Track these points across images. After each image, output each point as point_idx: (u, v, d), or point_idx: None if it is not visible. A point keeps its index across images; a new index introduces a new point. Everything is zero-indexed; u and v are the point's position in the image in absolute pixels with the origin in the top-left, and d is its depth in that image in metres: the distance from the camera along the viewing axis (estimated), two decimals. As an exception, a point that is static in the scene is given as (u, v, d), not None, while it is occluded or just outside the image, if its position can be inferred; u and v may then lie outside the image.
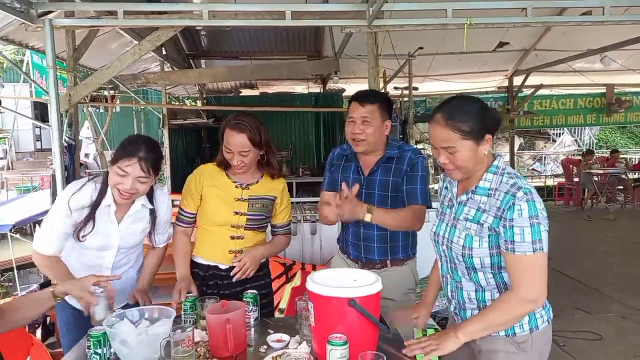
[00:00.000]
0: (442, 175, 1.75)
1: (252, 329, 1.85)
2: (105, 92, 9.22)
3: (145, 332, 1.60)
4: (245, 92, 10.10)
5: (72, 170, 3.79)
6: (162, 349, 1.55)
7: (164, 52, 6.45)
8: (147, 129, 14.61)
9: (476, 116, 1.48)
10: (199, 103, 9.95)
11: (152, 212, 2.05)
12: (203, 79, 6.66)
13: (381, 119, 2.06)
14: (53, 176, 3.60)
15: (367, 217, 1.86)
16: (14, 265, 5.37)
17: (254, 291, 1.96)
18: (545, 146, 18.42)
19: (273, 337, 1.73)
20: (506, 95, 10.00)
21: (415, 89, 9.68)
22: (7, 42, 4.54)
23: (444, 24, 3.70)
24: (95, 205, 1.93)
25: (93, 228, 1.93)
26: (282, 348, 1.66)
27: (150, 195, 2.02)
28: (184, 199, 2.17)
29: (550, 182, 12.67)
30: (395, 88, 9.09)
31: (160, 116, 8.14)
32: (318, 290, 1.50)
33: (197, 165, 2.24)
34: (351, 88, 9.77)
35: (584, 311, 4.35)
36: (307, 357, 1.46)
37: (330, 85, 9.00)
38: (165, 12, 3.73)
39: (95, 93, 9.62)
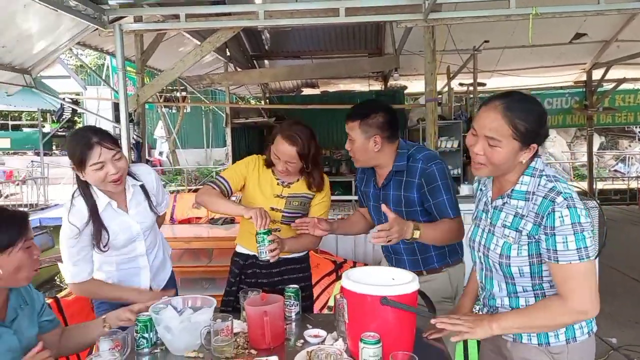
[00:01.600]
0: (477, 177, 1.67)
1: (294, 323, 1.87)
2: (177, 94, 9.75)
3: (188, 319, 1.66)
4: (307, 91, 10.22)
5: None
6: (202, 337, 1.61)
7: (228, 54, 6.68)
8: (215, 128, 15.27)
9: (536, 120, 1.36)
10: (262, 103, 10.22)
11: (143, 187, 2.05)
12: (264, 78, 6.83)
13: (364, 136, 1.92)
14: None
15: (416, 234, 1.74)
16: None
17: (296, 286, 1.97)
18: (629, 145, 16.95)
19: (310, 332, 1.73)
20: (584, 90, 9.29)
21: (482, 84, 9.30)
22: (84, 47, 4.92)
23: (507, 15, 3.52)
24: (93, 213, 1.89)
25: (109, 236, 1.92)
26: (318, 343, 1.65)
27: (132, 175, 2.02)
28: (228, 170, 2.23)
29: (634, 184, 11.63)
30: (461, 84, 8.78)
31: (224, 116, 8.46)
32: (351, 287, 1.48)
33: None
34: (413, 85, 9.58)
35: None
36: (339, 353, 1.44)
37: (392, 82, 8.87)
38: (224, 14, 3.86)
39: (168, 94, 10.22)
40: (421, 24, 3.68)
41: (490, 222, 1.49)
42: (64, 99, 7.96)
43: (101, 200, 1.92)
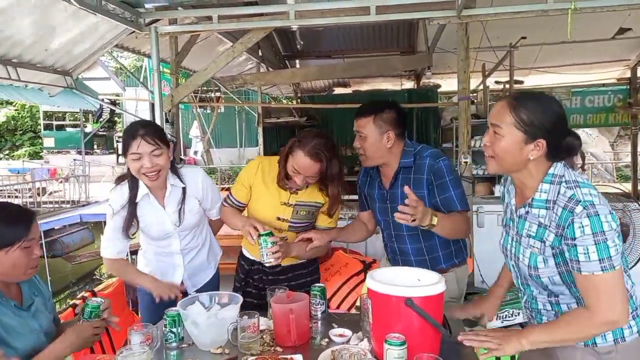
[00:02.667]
0: (502, 180, 1.66)
1: (319, 322, 1.87)
2: (212, 95, 9.94)
3: (215, 315, 1.69)
4: (338, 90, 10.21)
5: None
6: (229, 333, 1.64)
7: (260, 54, 6.75)
8: (247, 128, 15.48)
9: (543, 114, 1.34)
10: (293, 103, 10.28)
11: (184, 191, 2.08)
12: (295, 78, 6.86)
13: (378, 132, 1.93)
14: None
15: (434, 220, 1.74)
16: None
17: (322, 284, 1.97)
18: (678, 145, 16.05)
19: (336, 332, 1.73)
20: (628, 87, 8.87)
21: (520, 82, 9.03)
22: (123, 49, 5.08)
23: (543, 10, 3.40)
24: (131, 200, 2.00)
25: (138, 224, 2.04)
26: (343, 343, 1.65)
27: (178, 176, 2.07)
28: (235, 185, 2.19)
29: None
30: (497, 82, 8.56)
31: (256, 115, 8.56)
32: (376, 288, 1.47)
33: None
34: (447, 84, 9.40)
35: None
36: (363, 353, 1.43)
37: (424, 81, 8.73)
38: (256, 15, 3.90)
39: (203, 95, 10.43)
40: (454, 20, 3.61)
41: (517, 232, 1.47)
42: (102, 99, 8.24)
43: (141, 189, 2.02)
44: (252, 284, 2.16)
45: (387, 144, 1.95)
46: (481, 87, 7.71)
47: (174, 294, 1.97)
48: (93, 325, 1.61)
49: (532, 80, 8.95)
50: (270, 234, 1.88)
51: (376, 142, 1.95)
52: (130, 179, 2.01)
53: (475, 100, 7.19)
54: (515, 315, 3.74)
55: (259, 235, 1.88)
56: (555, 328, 1.35)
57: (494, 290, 1.75)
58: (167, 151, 1.97)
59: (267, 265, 1.93)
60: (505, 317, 3.72)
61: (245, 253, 2.23)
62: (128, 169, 2.00)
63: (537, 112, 1.33)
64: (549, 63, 8.10)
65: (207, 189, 2.14)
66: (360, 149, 1.98)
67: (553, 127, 1.34)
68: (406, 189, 1.71)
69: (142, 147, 1.89)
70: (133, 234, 2.07)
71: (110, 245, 2.05)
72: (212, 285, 2.26)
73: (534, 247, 1.39)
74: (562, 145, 1.36)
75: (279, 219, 2.07)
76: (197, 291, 2.16)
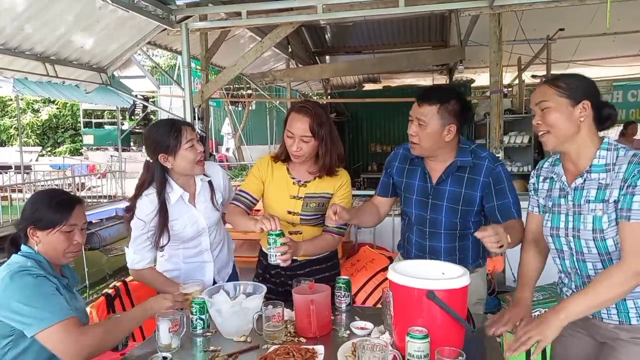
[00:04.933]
0: (533, 172, 1.65)
1: (344, 314, 1.86)
2: (243, 92, 10.05)
3: (239, 304, 1.70)
4: (368, 86, 10.14)
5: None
6: (254, 322, 1.65)
7: (290, 50, 6.78)
8: (278, 126, 15.57)
9: (581, 80, 1.45)
10: (322, 99, 10.27)
11: (211, 184, 2.10)
12: (324, 73, 6.86)
13: (440, 123, 1.78)
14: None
15: (509, 238, 1.56)
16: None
17: (347, 277, 1.96)
18: None
19: (357, 324, 1.71)
20: (674, 80, 8.47)
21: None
22: (155, 46, 5.20)
23: (581, -1, 3.27)
24: (162, 209, 1.93)
25: (169, 237, 1.97)
26: (364, 335, 1.63)
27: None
28: (246, 180, 2.12)
29: None
30: (533, 76, 8.30)
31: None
32: (398, 280, 1.44)
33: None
34: (480, 78, 9.20)
35: None
36: (385, 345, 1.41)
37: (457, 75, 8.57)
38: (284, 10, 3.91)
39: (235, 92, 10.57)
40: (486, 11, 3.52)
41: (573, 204, 1.48)
42: (136, 95, 8.48)
43: (175, 192, 1.98)
44: (269, 279, 2.13)
45: (446, 136, 1.81)
46: (516, 81, 7.49)
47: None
48: (174, 298, 1.70)
49: (570, 74, 8.63)
50: (282, 235, 1.81)
51: (436, 133, 1.80)
52: (157, 186, 1.95)
53: (507, 94, 6.98)
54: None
55: (269, 234, 1.81)
56: (593, 290, 1.36)
57: (522, 295, 1.66)
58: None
59: (272, 264, 1.87)
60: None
61: (264, 249, 2.19)
62: (157, 175, 1.95)
63: (573, 79, 1.45)
64: (588, 56, 7.80)
65: (226, 181, 2.18)
66: (416, 137, 1.83)
67: (592, 89, 1.45)
68: (477, 233, 1.50)
69: (192, 134, 1.94)
70: (162, 247, 2.00)
71: (140, 256, 1.99)
72: (234, 277, 2.29)
73: (595, 210, 1.42)
74: (604, 110, 1.45)
75: (289, 212, 2.02)
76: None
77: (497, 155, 3.75)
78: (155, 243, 1.97)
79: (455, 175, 1.87)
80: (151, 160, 1.98)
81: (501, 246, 1.51)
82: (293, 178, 2.03)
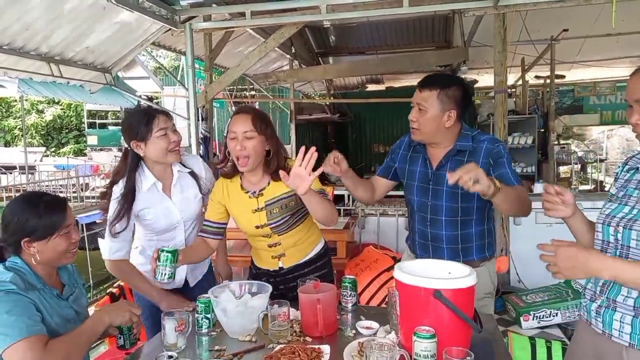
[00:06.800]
0: (623, 160, 1.57)
1: (350, 314, 1.85)
2: (247, 93, 10.06)
3: (244, 303, 1.70)
4: (371, 87, 10.13)
5: (207, 160, 4.22)
6: (260, 321, 1.65)
7: (293, 51, 6.78)
8: (281, 126, 15.56)
9: None
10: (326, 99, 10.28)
11: (193, 174, 2.05)
12: (328, 74, 6.86)
13: (440, 108, 1.79)
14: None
15: (498, 183, 1.56)
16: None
17: (352, 277, 1.95)
18: None
19: (363, 324, 1.71)
20: (679, 81, 8.40)
21: (561, 77, 8.68)
22: (159, 47, 5.21)
23: (586, -1, 3.26)
24: (127, 194, 1.90)
25: (127, 224, 1.91)
26: (370, 335, 1.63)
27: (182, 163, 2.05)
28: (207, 209, 2.02)
29: None
30: (537, 77, 8.28)
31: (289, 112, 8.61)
32: (404, 279, 1.44)
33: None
34: (484, 79, 9.17)
35: None
36: (392, 345, 1.41)
37: (460, 76, 8.55)
38: (288, 10, 3.92)
39: (239, 93, 10.58)
40: (491, 11, 3.51)
41: None
42: (140, 96, 8.50)
43: (148, 179, 1.96)
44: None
45: (446, 122, 1.82)
46: (520, 82, 7.47)
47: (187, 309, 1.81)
48: (129, 304, 1.64)
49: (574, 75, 8.61)
50: (175, 253, 1.73)
51: (435, 118, 1.81)
52: (126, 174, 1.94)
53: (511, 94, 6.96)
54: (554, 316, 3.61)
55: (161, 250, 1.72)
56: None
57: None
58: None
59: (159, 284, 1.80)
60: (542, 318, 3.60)
61: (254, 261, 2.15)
62: (130, 163, 1.94)
63: None
64: (592, 56, 7.76)
65: (209, 174, 2.14)
66: (416, 122, 1.85)
67: None
68: (448, 174, 1.55)
69: (165, 122, 1.91)
70: (116, 234, 1.93)
71: (118, 246, 1.94)
72: (209, 278, 2.25)
73: None
74: None
75: (257, 227, 1.95)
76: (196, 284, 2.17)
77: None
78: (108, 226, 1.90)
79: (455, 159, 1.87)
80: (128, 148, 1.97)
81: (477, 182, 1.47)
82: (247, 192, 1.94)
